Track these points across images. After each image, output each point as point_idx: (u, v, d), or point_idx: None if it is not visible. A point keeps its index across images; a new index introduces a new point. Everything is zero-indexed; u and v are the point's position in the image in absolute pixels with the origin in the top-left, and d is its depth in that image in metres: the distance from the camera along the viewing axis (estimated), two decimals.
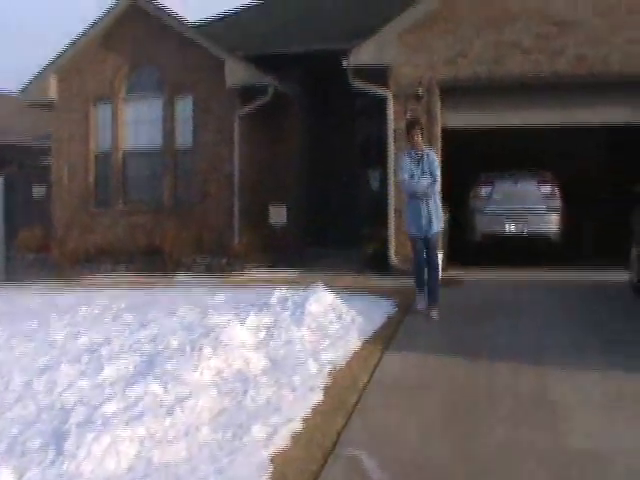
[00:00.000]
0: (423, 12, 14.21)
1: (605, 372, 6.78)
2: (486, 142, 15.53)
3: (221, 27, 19.00)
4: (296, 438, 5.36)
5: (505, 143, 15.48)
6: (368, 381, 6.75)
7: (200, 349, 7.11)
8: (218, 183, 16.39)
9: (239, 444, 5.20)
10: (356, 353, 7.70)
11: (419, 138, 9.54)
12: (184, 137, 16.92)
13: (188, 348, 7.26)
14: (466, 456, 5.08)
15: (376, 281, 13.16)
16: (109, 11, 17.26)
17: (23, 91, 18.03)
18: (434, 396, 6.37)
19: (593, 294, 11.28)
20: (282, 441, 5.29)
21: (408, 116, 13.37)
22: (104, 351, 7.75)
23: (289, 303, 9.29)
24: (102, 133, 17.64)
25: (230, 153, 16.29)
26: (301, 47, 16.89)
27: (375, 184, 17.29)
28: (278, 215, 16.44)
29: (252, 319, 8.63)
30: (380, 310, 9.86)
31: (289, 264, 15.55)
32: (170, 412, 5.66)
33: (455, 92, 14.25)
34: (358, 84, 14.51)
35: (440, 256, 12.56)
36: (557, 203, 15.04)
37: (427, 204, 9.46)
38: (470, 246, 15.46)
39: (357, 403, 6.15)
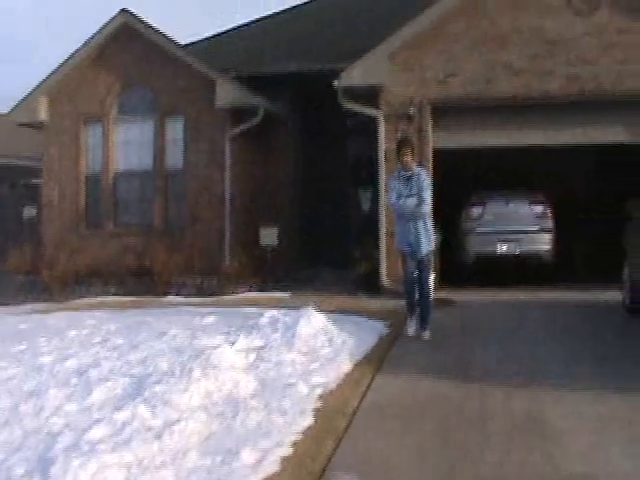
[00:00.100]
0: (414, 32, 14.23)
1: (598, 394, 6.71)
2: (478, 162, 15.55)
3: (212, 47, 19.01)
4: (286, 463, 5.27)
5: (497, 163, 15.47)
6: (359, 404, 6.66)
7: (190, 372, 7.02)
8: (209, 204, 16.34)
9: (228, 469, 5.10)
10: (347, 376, 7.61)
11: (409, 158, 9.38)
12: (175, 158, 16.88)
13: (177, 371, 7.17)
14: None
15: (367, 302, 13.08)
16: (100, 31, 17.23)
17: (13, 111, 17.96)
18: (425, 420, 6.28)
19: (586, 315, 11.23)
20: (271, 466, 5.20)
21: (398, 135, 13.31)
22: (93, 374, 7.63)
23: (279, 325, 9.21)
24: (92, 154, 17.58)
25: (221, 174, 16.25)
26: (292, 67, 16.90)
27: (366, 205, 17.24)
28: (269, 236, 16.36)
29: (242, 341, 8.55)
30: (371, 332, 9.79)
31: (280, 285, 15.48)
32: (158, 436, 5.56)
33: (446, 112, 14.25)
34: (349, 104, 14.51)
35: (432, 277, 12.54)
36: (549, 223, 15.03)
37: (415, 225, 9.32)
38: (462, 267, 15.41)
39: (347, 427, 6.06)
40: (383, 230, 14.09)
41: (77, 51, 17.39)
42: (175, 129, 16.89)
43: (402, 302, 10.08)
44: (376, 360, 8.37)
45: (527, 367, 7.97)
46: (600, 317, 11.05)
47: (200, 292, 15.60)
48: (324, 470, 5.18)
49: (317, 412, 6.37)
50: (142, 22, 17.01)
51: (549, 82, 13.88)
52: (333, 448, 5.59)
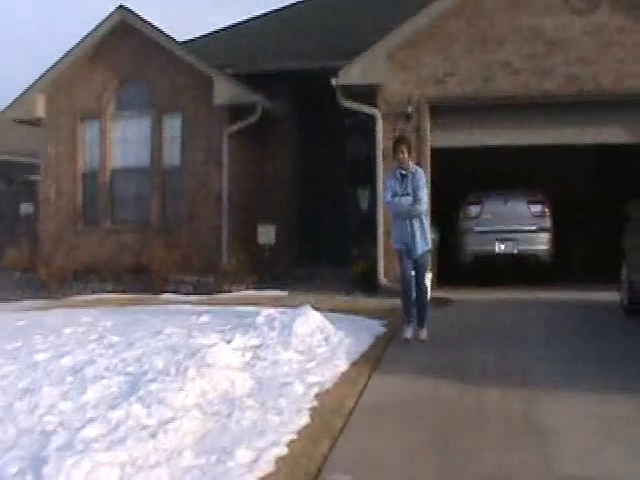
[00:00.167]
0: (412, 31, 14.19)
1: (596, 395, 6.67)
2: (476, 161, 15.51)
3: (210, 45, 18.95)
4: (281, 462, 5.23)
5: (495, 162, 15.42)
6: (355, 404, 6.62)
7: (185, 370, 7.00)
8: (206, 202, 16.30)
9: (223, 469, 5.06)
10: (344, 375, 7.58)
11: (405, 155, 9.23)
12: (172, 155, 16.82)
13: (173, 369, 7.15)
14: None
15: (365, 301, 13.08)
16: (97, 28, 17.17)
17: (10, 108, 17.89)
18: (422, 420, 6.25)
19: (584, 316, 11.20)
20: (267, 466, 5.16)
21: (396, 134, 13.25)
22: (88, 372, 7.60)
23: (276, 324, 9.18)
24: (90, 151, 17.52)
25: (219, 172, 16.20)
26: (290, 65, 16.86)
27: (364, 204, 17.20)
28: (267, 235, 16.31)
29: (238, 340, 8.54)
30: (368, 331, 9.76)
31: (278, 284, 15.44)
32: (153, 435, 5.53)
33: (444, 111, 14.22)
34: (347, 103, 14.47)
35: (429, 276, 12.51)
36: (547, 223, 15.01)
37: (411, 224, 9.16)
38: (460, 266, 15.38)
39: (344, 427, 6.03)
40: (381, 229, 14.04)
41: (74, 47, 17.32)
42: (173, 126, 16.83)
43: (399, 301, 9.99)
44: (373, 359, 8.35)
45: (524, 367, 7.94)
46: (597, 318, 11.02)
47: (197, 290, 15.54)
48: (320, 470, 5.14)
49: (313, 411, 6.33)
50: (139, 19, 16.95)
51: (548, 81, 13.84)
52: (329, 448, 5.56)
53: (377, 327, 10.15)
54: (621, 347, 8.82)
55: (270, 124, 17.06)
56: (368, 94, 14.37)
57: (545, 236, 15.00)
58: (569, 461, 5.21)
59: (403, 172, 9.22)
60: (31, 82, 17.64)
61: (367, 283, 14.25)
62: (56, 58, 17.49)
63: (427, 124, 14.28)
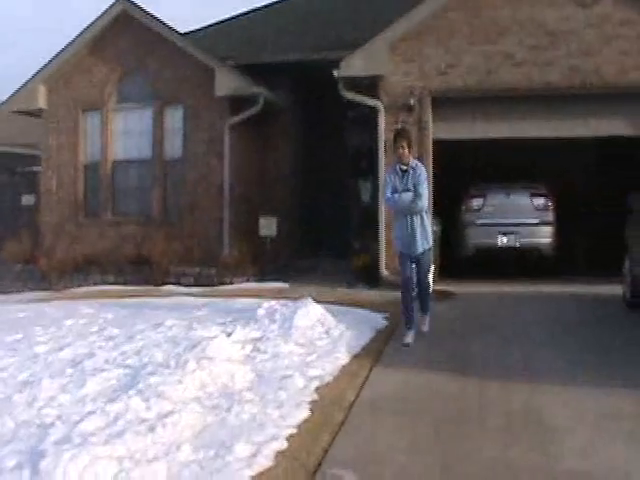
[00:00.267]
0: (414, 22, 14.13)
1: (598, 389, 6.63)
2: (478, 154, 15.44)
3: (212, 36, 18.90)
4: (280, 457, 5.19)
5: (497, 155, 15.35)
6: (356, 397, 6.59)
7: (185, 363, 6.96)
8: (208, 194, 16.26)
9: (221, 463, 5.03)
10: (344, 368, 7.55)
11: (405, 150, 8.87)
12: (174, 147, 16.79)
13: (173, 362, 7.11)
14: (455, 476, 4.93)
15: (366, 294, 13.05)
16: (98, 19, 17.13)
17: (11, 99, 17.87)
18: (423, 414, 6.21)
19: (587, 308, 11.17)
20: (266, 460, 5.12)
21: (398, 126, 13.17)
22: (88, 364, 7.59)
23: (277, 316, 9.15)
24: (91, 143, 17.49)
25: (220, 163, 16.15)
26: (292, 56, 16.80)
27: (366, 196, 17.15)
28: (268, 227, 16.27)
29: (239, 332, 8.51)
30: (370, 324, 9.72)
31: (279, 276, 15.41)
32: (151, 429, 5.48)
33: (447, 103, 14.16)
34: (349, 95, 14.41)
35: (431, 269, 12.46)
36: (550, 215, 14.95)
37: (412, 221, 8.85)
38: (462, 259, 15.34)
39: (344, 420, 5.99)
40: (382, 221, 13.98)
41: (75, 39, 17.29)
42: (174, 118, 16.79)
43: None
44: (374, 352, 8.31)
45: (527, 360, 7.91)
46: (600, 311, 10.97)
47: (198, 282, 15.53)
48: (319, 464, 5.11)
49: (313, 405, 6.30)
50: (141, 10, 16.89)
51: (550, 73, 13.78)
52: (329, 442, 5.52)
53: (379, 320, 10.11)
54: (624, 340, 8.76)
55: (272, 116, 17.02)
56: (370, 86, 14.32)
57: (547, 229, 14.95)
58: (570, 456, 5.18)
59: (403, 167, 8.91)
60: (33, 73, 17.60)
61: (369, 275, 14.21)
62: (58, 49, 17.47)
63: (429, 116, 14.22)
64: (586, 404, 6.29)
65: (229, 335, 8.28)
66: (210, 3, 68.47)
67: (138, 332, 9.14)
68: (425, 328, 9.20)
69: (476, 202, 15.17)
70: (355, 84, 14.33)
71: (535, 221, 14.91)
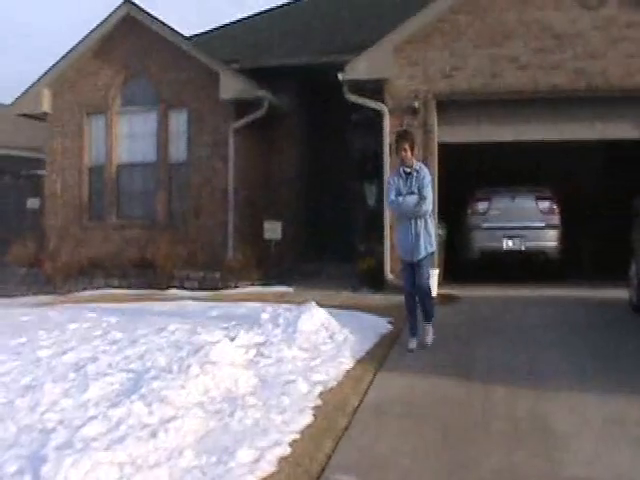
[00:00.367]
0: (419, 25, 14.08)
1: (604, 396, 6.58)
2: (483, 157, 15.41)
3: (216, 39, 18.88)
4: (283, 463, 5.16)
5: (503, 158, 15.33)
6: (359, 403, 6.55)
7: (188, 368, 6.93)
8: (212, 197, 16.22)
9: (224, 469, 4.99)
10: (348, 373, 7.51)
11: (408, 153, 8.71)
12: (178, 151, 16.75)
13: (175, 367, 7.08)
14: None
15: (371, 298, 13.01)
16: (103, 23, 17.10)
17: (16, 102, 17.86)
18: (427, 419, 6.16)
19: (593, 313, 11.09)
20: (269, 466, 5.09)
21: (398, 129, 13.08)
22: (91, 369, 7.57)
23: (281, 320, 9.12)
24: (96, 146, 17.47)
25: (225, 167, 16.12)
26: (297, 60, 16.77)
27: (371, 199, 17.10)
28: (273, 230, 16.23)
29: (242, 337, 8.48)
30: (374, 328, 9.67)
31: (283, 280, 15.37)
32: (154, 434, 5.46)
33: (452, 106, 14.12)
34: (353, 98, 14.38)
35: (436, 272, 12.42)
36: (555, 219, 14.89)
37: (415, 224, 8.65)
38: (467, 262, 15.29)
39: (347, 426, 5.96)
40: (387, 225, 13.94)
41: (80, 42, 17.27)
42: (179, 121, 16.75)
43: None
44: (378, 357, 8.27)
45: (532, 365, 7.86)
46: (606, 316, 10.89)
47: (203, 286, 15.50)
48: (322, 470, 5.08)
49: (317, 410, 6.27)
50: (145, 13, 16.86)
51: (556, 76, 13.72)
52: (332, 448, 5.49)
53: (383, 324, 10.06)
54: (631, 346, 8.70)
55: (276, 119, 16.98)
56: (375, 89, 14.28)
57: (553, 233, 14.88)
58: (576, 462, 5.14)
59: (407, 170, 8.75)
60: (37, 77, 17.60)
61: (373, 279, 14.16)
62: (62, 53, 17.47)
63: (434, 119, 14.17)
64: (592, 410, 6.24)
65: (232, 339, 8.24)
66: (215, 7, 68.63)
67: (141, 336, 9.11)
68: (428, 340, 8.84)
69: (481, 205, 15.12)
70: (360, 87, 14.30)
71: (541, 224, 14.85)
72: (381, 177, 14.44)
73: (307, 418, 6.05)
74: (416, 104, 14.02)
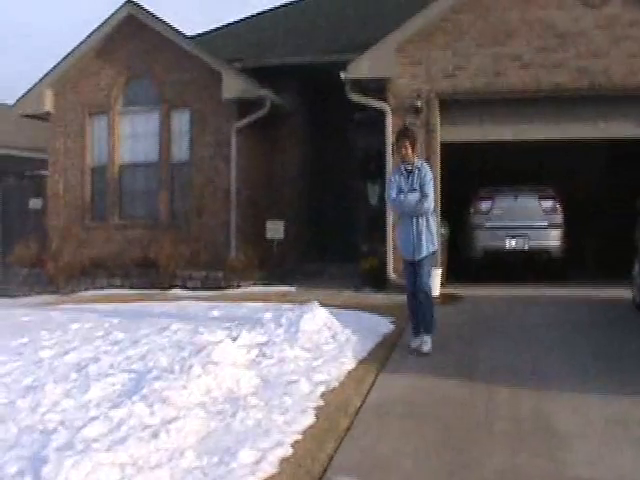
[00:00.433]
0: (422, 24, 14.06)
1: (607, 396, 6.55)
2: (486, 156, 15.40)
3: (219, 38, 18.87)
4: (285, 464, 5.13)
5: (505, 157, 15.31)
6: (362, 403, 6.51)
7: (190, 368, 6.90)
8: (215, 197, 16.21)
9: (225, 470, 4.96)
10: (350, 373, 7.47)
11: (408, 151, 8.57)
12: (180, 150, 16.75)
13: (177, 367, 7.05)
14: None
15: (374, 297, 12.98)
16: (105, 23, 17.11)
17: (18, 103, 17.88)
18: (429, 420, 6.13)
19: (596, 312, 11.06)
20: (270, 467, 5.06)
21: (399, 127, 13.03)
22: (92, 369, 7.55)
23: (283, 320, 9.08)
24: (98, 146, 17.49)
25: (227, 166, 16.11)
26: (300, 59, 16.76)
27: (374, 199, 17.07)
28: (275, 230, 16.22)
29: (244, 337, 8.44)
30: (376, 328, 9.64)
31: (286, 279, 15.36)
32: (155, 435, 5.43)
33: (454, 105, 14.11)
34: (356, 97, 14.37)
35: (439, 272, 12.40)
36: (558, 218, 14.86)
37: (417, 223, 8.47)
38: (470, 262, 15.27)
39: (349, 426, 5.92)
40: (390, 224, 13.91)
41: (82, 42, 17.28)
42: (181, 121, 16.75)
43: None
44: (380, 357, 8.23)
45: (535, 366, 7.83)
46: (610, 315, 10.87)
47: (205, 285, 15.50)
48: (324, 471, 5.05)
49: (319, 411, 6.23)
50: (147, 13, 16.85)
51: (559, 75, 13.69)
52: (334, 448, 5.46)
53: (385, 324, 10.03)
54: (634, 345, 8.68)
55: (279, 118, 16.97)
56: (377, 88, 14.27)
57: (556, 232, 14.86)
58: (579, 463, 5.11)
59: (408, 167, 8.62)
60: (40, 77, 17.60)
61: (376, 279, 14.14)
62: (62, 53, 17.48)
63: (437, 118, 14.15)
64: (595, 410, 6.21)
65: (235, 339, 8.21)
66: (217, 6, 68.59)
67: (143, 336, 9.09)
68: (425, 348, 8.46)
69: (484, 205, 15.10)
70: (362, 86, 14.30)
71: (544, 224, 14.82)
72: (384, 176, 14.40)
73: (309, 418, 6.02)
74: (419, 103, 14.00)
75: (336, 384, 7.04)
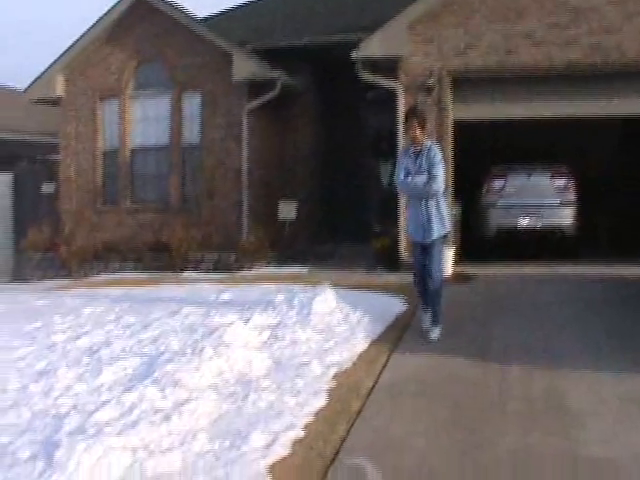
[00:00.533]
0: (434, 2, 13.98)
1: (620, 374, 6.50)
2: (498, 135, 15.31)
3: (228, 21, 18.81)
4: (297, 446, 5.12)
5: (518, 135, 15.23)
6: (374, 385, 6.49)
7: (201, 351, 6.89)
8: (226, 179, 16.19)
9: (237, 453, 4.96)
10: (362, 354, 7.46)
11: (417, 132, 8.26)
12: (192, 133, 16.72)
13: (189, 349, 7.05)
14: (474, 466, 4.83)
15: (386, 278, 12.91)
16: (115, 6, 17.07)
17: (30, 88, 17.89)
18: (442, 400, 6.11)
19: (610, 290, 10.99)
20: (282, 449, 5.05)
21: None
22: (104, 353, 7.57)
23: (295, 302, 9.08)
24: (109, 130, 17.49)
25: (238, 148, 16.08)
26: (310, 39, 16.69)
27: (386, 179, 17.01)
28: (288, 211, 16.20)
29: (256, 319, 8.43)
30: (389, 309, 9.61)
31: (298, 260, 15.36)
32: (167, 418, 5.42)
33: (466, 84, 14.01)
34: (367, 76, 14.28)
35: (451, 251, 12.35)
36: (571, 196, 14.77)
37: (426, 205, 8.18)
38: (483, 240, 15.21)
39: (362, 408, 5.90)
40: (402, 204, 13.83)
41: (93, 27, 17.25)
42: (192, 104, 16.70)
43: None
44: (392, 338, 8.20)
45: (548, 344, 7.79)
46: (623, 293, 10.80)
47: (217, 268, 15.51)
48: (337, 453, 5.04)
49: (331, 392, 6.22)
50: None
51: (571, 52, 13.56)
52: (346, 430, 5.45)
53: (398, 304, 9.98)
54: None
55: (290, 99, 16.92)
56: (389, 67, 14.16)
57: (569, 210, 14.77)
58: (593, 442, 5.08)
59: (417, 148, 8.35)
60: (50, 62, 17.60)
61: (388, 259, 14.10)
62: (75, 37, 17.46)
63: (449, 97, 14.06)
64: (608, 388, 6.18)
65: (246, 321, 8.19)
66: None
67: (155, 320, 9.10)
68: (434, 336, 8.21)
69: (497, 183, 15.02)
70: (374, 65, 14.20)
71: (556, 202, 14.73)
72: (396, 156, 14.34)
73: (321, 400, 6.01)
74: (431, 81, 13.91)
75: (348, 365, 7.03)
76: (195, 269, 15.53)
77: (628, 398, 5.92)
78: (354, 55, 13.99)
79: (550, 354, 7.35)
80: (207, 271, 15.34)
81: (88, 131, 17.48)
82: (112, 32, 17.26)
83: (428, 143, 8.43)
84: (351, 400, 6.07)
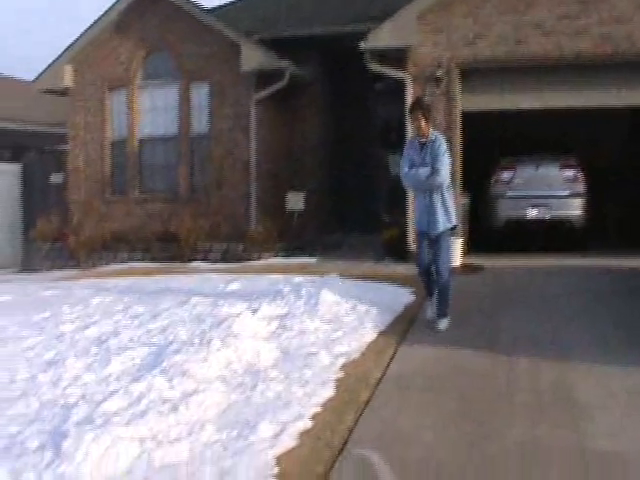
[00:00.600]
0: None
1: (628, 367, 6.47)
2: (507, 125, 15.24)
3: (236, 11, 18.79)
4: (305, 437, 5.12)
5: (526, 126, 15.16)
6: (382, 375, 6.48)
7: (209, 341, 6.90)
8: (234, 169, 16.19)
9: (245, 443, 4.96)
10: (370, 345, 7.45)
11: (422, 123, 8.19)
12: (200, 123, 16.72)
13: (197, 340, 7.06)
14: (482, 457, 4.82)
15: (394, 268, 12.91)
16: None
17: (38, 78, 17.90)
18: (450, 392, 6.10)
19: (617, 281, 10.96)
20: (290, 440, 5.05)
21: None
22: (113, 343, 7.58)
23: (303, 292, 9.08)
24: (117, 120, 17.50)
25: (247, 139, 16.08)
26: (318, 29, 16.67)
27: (395, 169, 16.97)
28: (296, 201, 16.19)
29: (265, 309, 8.43)
30: (397, 299, 9.60)
31: (306, 251, 15.36)
32: (174, 409, 5.42)
33: (475, 74, 13.96)
34: (376, 67, 14.25)
35: (460, 242, 12.33)
36: (580, 187, 14.71)
37: (430, 198, 8.11)
38: (491, 232, 15.17)
39: (370, 399, 5.90)
40: (411, 194, 13.81)
41: (101, 17, 17.27)
42: (200, 94, 16.70)
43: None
44: (401, 329, 8.19)
45: (557, 336, 7.77)
46: (631, 283, 10.77)
47: (225, 258, 15.52)
48: (344, 444, 5.03)
49: (339, 383, 6.22)
50: None
51: (581, 42, 13.49)
52: (354, 421, 5.44)
53: (406, 295, 9.97)
54: None
55: (299, 89, 16.90)
56: (397, 57, 14.13)
57: (578, 201, 14.71)
58: (601, 435, 5.06)
59: (422, 140, 8.29)
60: (59, 53, 17.60)
61: (397, 249, 14.09)
62: (83, 28, 17.46)
63: (457, 87, 14.02)
64: (616, 381, 6.16)
65: (255, 312, 8.20)
66: None
67: (163, 310, 9.11)
68: (441, 327, 8.20)
69: (506, 174, 14.97)
70: (382, 56, 14.16)
71: (565, 193, 14.69)
72: (403, 147, 14.31)
73: (329, 391, 6.01)
74: (439, 72, 13.87)
75: (356, 356, 7.02)
76: (203, 259, 15.55)
77: (636, 391, 5.90)
78: (362, 45, 13.95)
79: (558, 346, 7.33)
80: (215, 261, 15.37)
81: (97, 121, 17.49)
82: (120, 22, 17.26)
83: (434, 134, 8.36)
84: (359, 391, 6.06)
